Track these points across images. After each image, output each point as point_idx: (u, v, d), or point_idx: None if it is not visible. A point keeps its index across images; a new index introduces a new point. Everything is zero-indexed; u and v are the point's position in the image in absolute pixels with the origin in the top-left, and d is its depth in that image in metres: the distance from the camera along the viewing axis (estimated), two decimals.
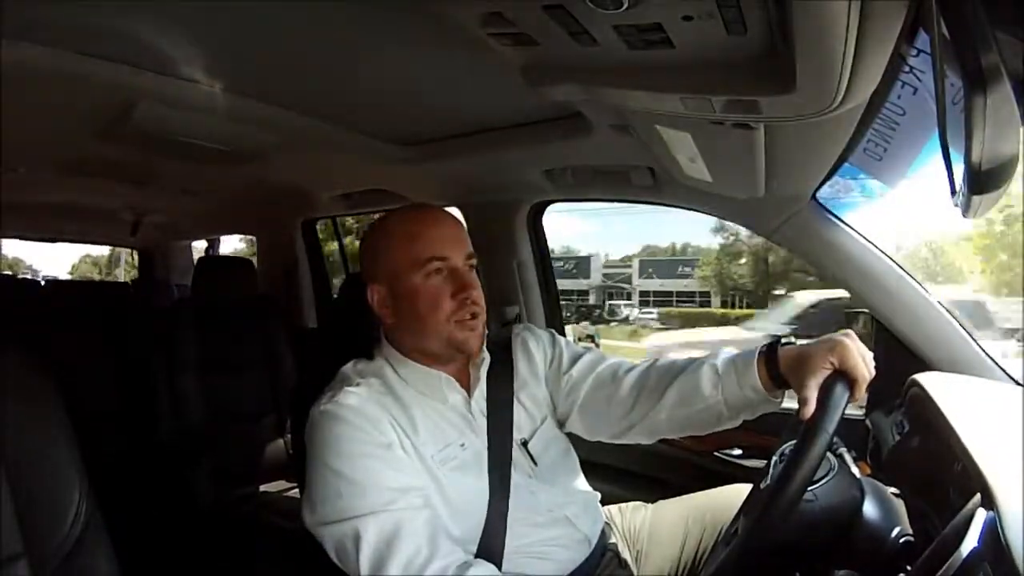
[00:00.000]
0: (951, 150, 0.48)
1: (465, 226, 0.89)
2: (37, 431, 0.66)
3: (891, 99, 0.77)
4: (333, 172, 1.79)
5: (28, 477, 0.64)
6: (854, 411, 1.16)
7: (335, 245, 2.87)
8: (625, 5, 0.53)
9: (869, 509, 0.70)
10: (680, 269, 14.70)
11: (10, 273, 4.69)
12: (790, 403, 0.75)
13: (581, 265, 15.19)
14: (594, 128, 1.07)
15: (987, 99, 0.36)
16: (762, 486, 0.76)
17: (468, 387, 0.87)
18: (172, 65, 0.93)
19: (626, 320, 13.44)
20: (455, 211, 1.64)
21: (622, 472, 1.42)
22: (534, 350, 0.95)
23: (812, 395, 0.69)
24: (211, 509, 1.73)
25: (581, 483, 0.95)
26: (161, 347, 1.88)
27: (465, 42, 0.71)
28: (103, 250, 13.92)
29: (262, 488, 1.93)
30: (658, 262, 15.17)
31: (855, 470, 0.75)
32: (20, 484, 0.63)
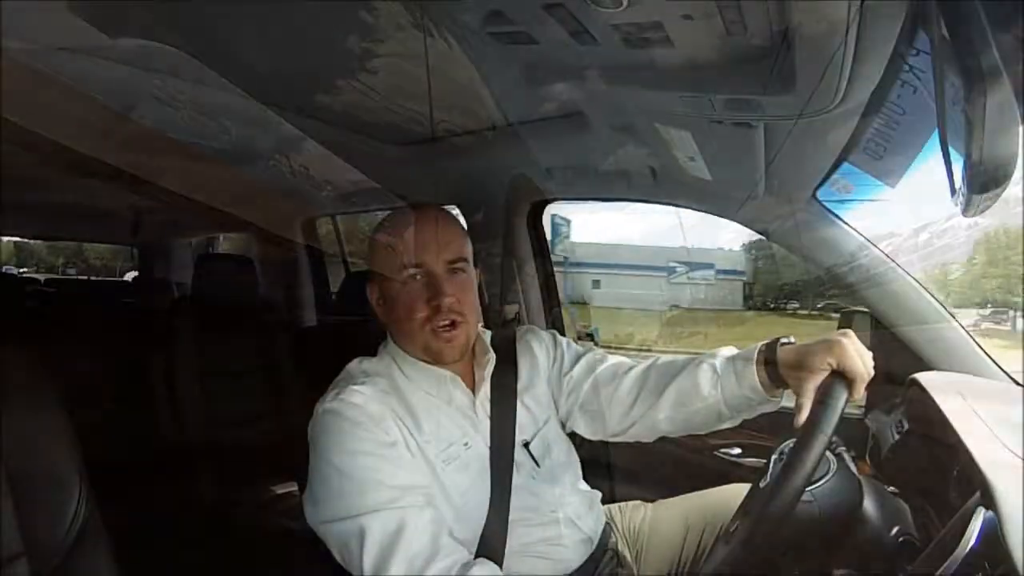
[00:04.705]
0: (951, 149, 0.48)
1: (461, 227, 0.89)
2: (37, 431, 0.66)
3: (891, 99, 0.77)
4: (333, 172, 1.78)
5: (28, 477, 0.63)
6: (853, 410, 1.16)
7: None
8: (624, 4, 0.53)
9: (869, 509, 0.70)
10: None
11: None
12: (789, 402, 0.75)
13: None
14: (594, 127, 1.06)
15: (987, 99, 0.36)
16: (761, 485, 0.76)
17: (473, 386, 0.87)
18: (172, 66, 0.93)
19: None
20: (455, 211, 1.64)
21: (622, 471, 1.42)
22: (537, 351, 0.95)
23: (810, 395, 0.68)
24: (212, 509, 1.73)
25: (582, 483, 0.95)
26: (161, 346, 1.88)
27: (465, 41, 0.71)
28: None
29: (263, 487, 1.92)
30: None
31: (855, 470, 0.75)
32: (20, 484, 0.62)
